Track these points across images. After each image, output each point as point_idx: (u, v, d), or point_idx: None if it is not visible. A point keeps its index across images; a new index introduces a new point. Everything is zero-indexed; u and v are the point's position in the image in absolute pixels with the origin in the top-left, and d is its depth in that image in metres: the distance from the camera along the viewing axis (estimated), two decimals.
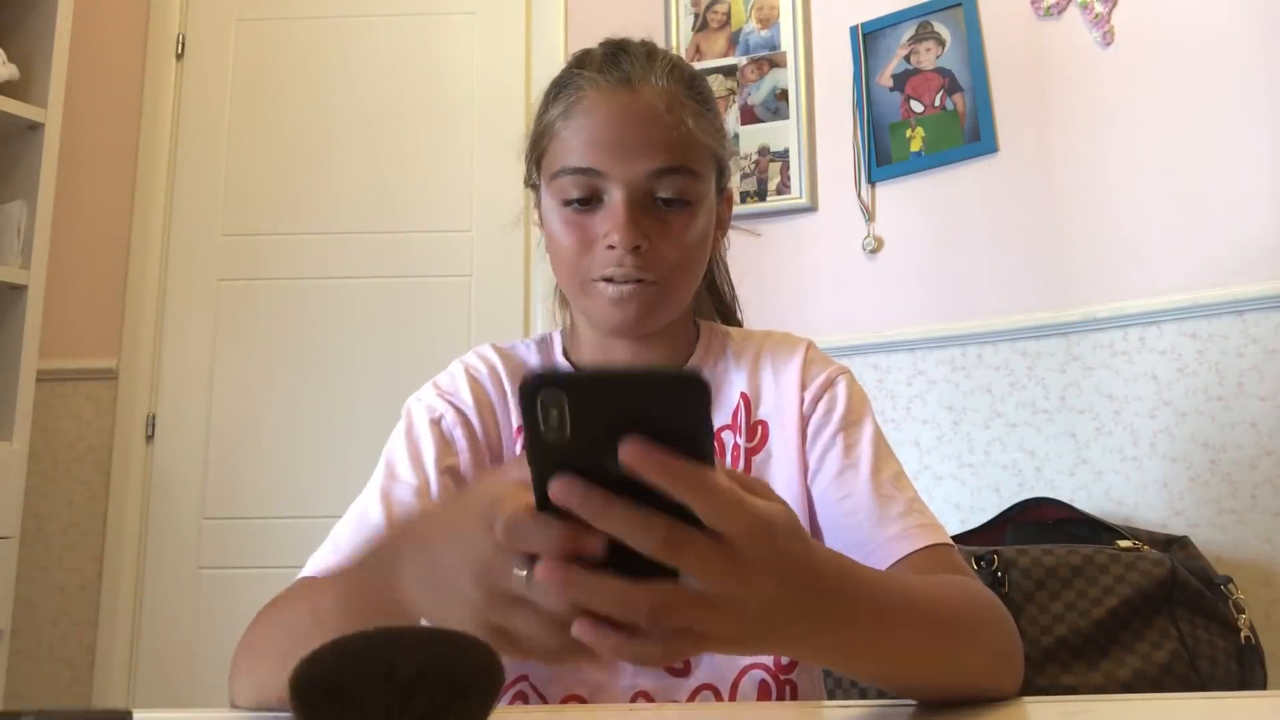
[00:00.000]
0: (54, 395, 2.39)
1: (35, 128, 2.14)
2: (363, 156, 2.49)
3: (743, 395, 0.85)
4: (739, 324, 1.00)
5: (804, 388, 0.83)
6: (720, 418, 0.84)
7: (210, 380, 2.42)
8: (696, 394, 0.39)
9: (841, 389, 0.83)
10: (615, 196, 0.76)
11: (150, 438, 2.41)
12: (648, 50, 0.81)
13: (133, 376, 2.41)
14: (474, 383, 0.85)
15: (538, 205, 0.85)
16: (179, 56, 2.55)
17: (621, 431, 0.39)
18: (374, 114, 2.50)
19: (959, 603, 0.62)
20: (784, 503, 0.46)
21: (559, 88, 0.81)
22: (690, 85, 0.80)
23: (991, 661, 0.62)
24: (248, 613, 0.71)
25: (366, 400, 2.36)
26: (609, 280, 0.78)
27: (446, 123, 2.49)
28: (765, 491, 0.45)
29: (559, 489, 0.40)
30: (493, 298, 2.41)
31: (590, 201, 0.78)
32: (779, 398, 0.84)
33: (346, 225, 2.46)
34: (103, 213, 2.48)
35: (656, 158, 0.76)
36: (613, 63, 0.79)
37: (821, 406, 0.82)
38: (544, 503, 0.41)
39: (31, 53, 2.19)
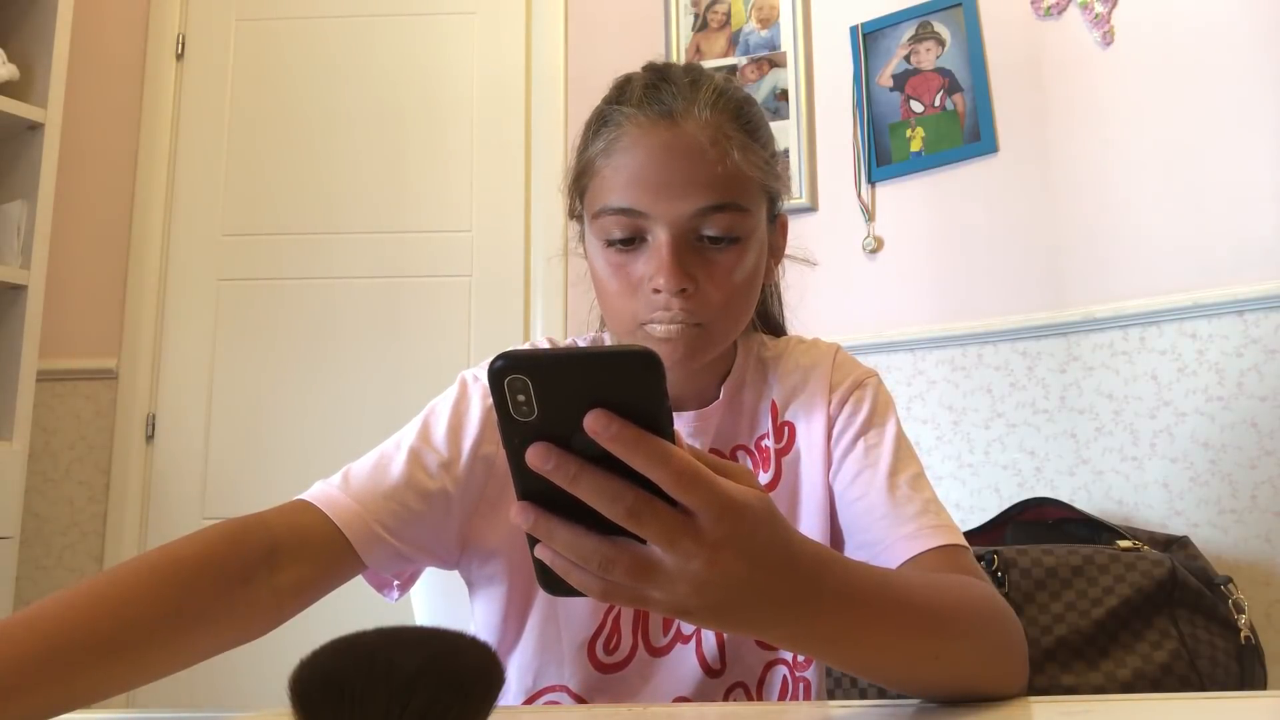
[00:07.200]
0: (54, 395, 2.39)
1: (35, 128, 2.15)
2: (362, 156, 2.49)
3: (772, 401, 0.85)
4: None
5: (832, 390, 0.84)
6: (760, 427, 0.85)
7: (210, 380, 2.42)
8: (650, 369, 0.42)
9: (868, 392, 0.84)
10: (659, 237, 0.73)
11: (150, 438, 2.41)
12: (691, 79, 0.76)
13: (133, 376, 2.41)
14: None
15: (581, 237, 0.83)
16: (179, 56, 2.55)
17: (585, 409, 0.42)
18: (374, 114, 2.50)
19: (956, 601, 0.62)
20: (762, 490, 0.47)
21: (600, 123, 0.78)
22: (737, 114, 0.76)
23: (988, 660, 0.61)
24: None
25: (367, 400, 2.36)
26: (656, 322, 0.76)
27: (446, 123, 2.49)
28: (742, 476, 0.46)
29: (534, 455, 0.43)
30: (493, 298, 2.41)
31: (634, 241, 0.75)
32: (808, 400, 0.84)
33: (346, 225, 2.46)
34: (103, 213, 2.48)
35: (701, 196, 0.72)
36: (653, 94, 0.75)
37: (847, 409, 0.82)
38: (524, 486, 0.44)
39: (31, 53, 2.19)
